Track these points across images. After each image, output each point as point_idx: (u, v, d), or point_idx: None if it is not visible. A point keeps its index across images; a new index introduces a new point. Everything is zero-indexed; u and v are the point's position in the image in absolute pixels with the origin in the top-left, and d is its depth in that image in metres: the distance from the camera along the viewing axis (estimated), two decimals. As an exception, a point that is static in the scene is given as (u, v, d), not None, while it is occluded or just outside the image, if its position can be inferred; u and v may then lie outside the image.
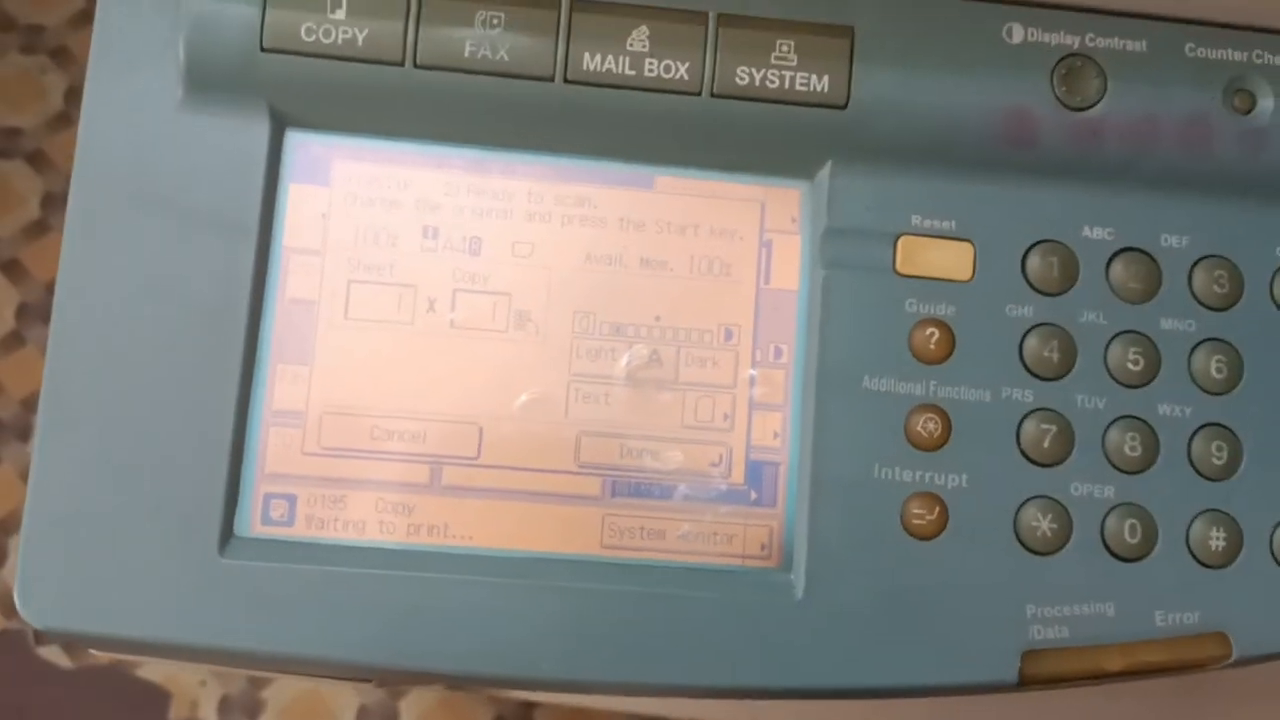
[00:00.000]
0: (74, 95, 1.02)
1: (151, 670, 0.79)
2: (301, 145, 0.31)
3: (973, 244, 0.31)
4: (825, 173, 0.32)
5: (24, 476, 0.94)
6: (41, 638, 0.94)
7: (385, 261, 0.31)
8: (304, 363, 0.31)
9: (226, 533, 0.30)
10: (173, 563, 0.29)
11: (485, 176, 0.32)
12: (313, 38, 0.30)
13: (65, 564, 0.29)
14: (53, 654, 0.94)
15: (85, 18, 1.05)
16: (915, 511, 0.30)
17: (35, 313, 0.98)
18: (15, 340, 0.98)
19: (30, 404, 0.95)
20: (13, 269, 0.99)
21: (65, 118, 1.02)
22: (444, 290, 0.31)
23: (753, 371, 0.32)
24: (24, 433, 0.94)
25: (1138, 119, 0.31)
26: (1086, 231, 0.32)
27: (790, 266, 0.32)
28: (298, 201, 0.31)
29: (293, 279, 0.31)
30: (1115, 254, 0.32)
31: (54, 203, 0.99)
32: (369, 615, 0.30)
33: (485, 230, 0.32)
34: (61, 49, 1.04)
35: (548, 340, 0.31)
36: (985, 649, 0.30)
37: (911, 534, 0.30)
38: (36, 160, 1.01)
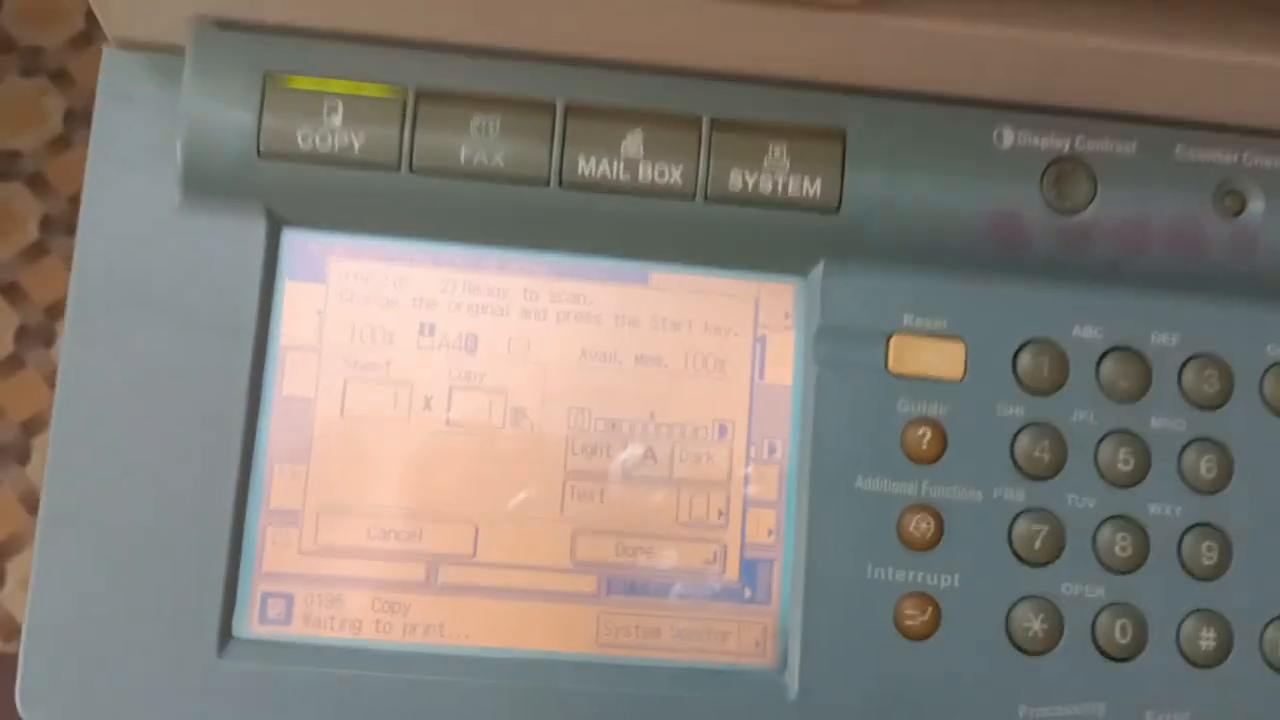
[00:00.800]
0: (73, 117, 1.02)
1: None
2: (298, 243, 0.32)
3: (964, 343, 0.32)
4: (818, 271, 0.32)
5: (23, 500, 0.94)
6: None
7: (381, 359, 0.32)
8: (301, 461, 0.31)
9: (225, 634, 0.30)
10: (172, 665, 0.30)
11: (481, 274, 0.32)
12: (309, 144, 0.30)
13: (66, 668, 0.29)
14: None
15: (85, 39, 1.05)
16: (908, 612, 0.31)
17: (35, 336, 0.98)
18: (14, 363, 0.98)
19: (30, 427, 0.96)
20: (12, 292, 0.99)
21: (65, 140, 1.02)
22: (440, 388, 0.32)
23: (747, 468, 0.32)
24: (23, 456, 0.95)
25: (1128, 221, 0.31)
26: (1077, 330, 0.32)
27: (784, 362, 0.32)
28: (294, 299, 0.32)
29: (289, 376, 0.31)
30: (1106, 353, 0.32)
31: (53, 225, 0.99)
32: (369, 717, 0.30)
33: (481, 327, 0.32)
34: (62, 71, 1.04)
35: (543, 437, 0.32)
36: (978, 750, 0.30)
37: (904, 634, 0.31)
38: (36, 183, 1.01)
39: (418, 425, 0.31)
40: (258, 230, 0.31)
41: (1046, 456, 0.31)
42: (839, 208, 0.31)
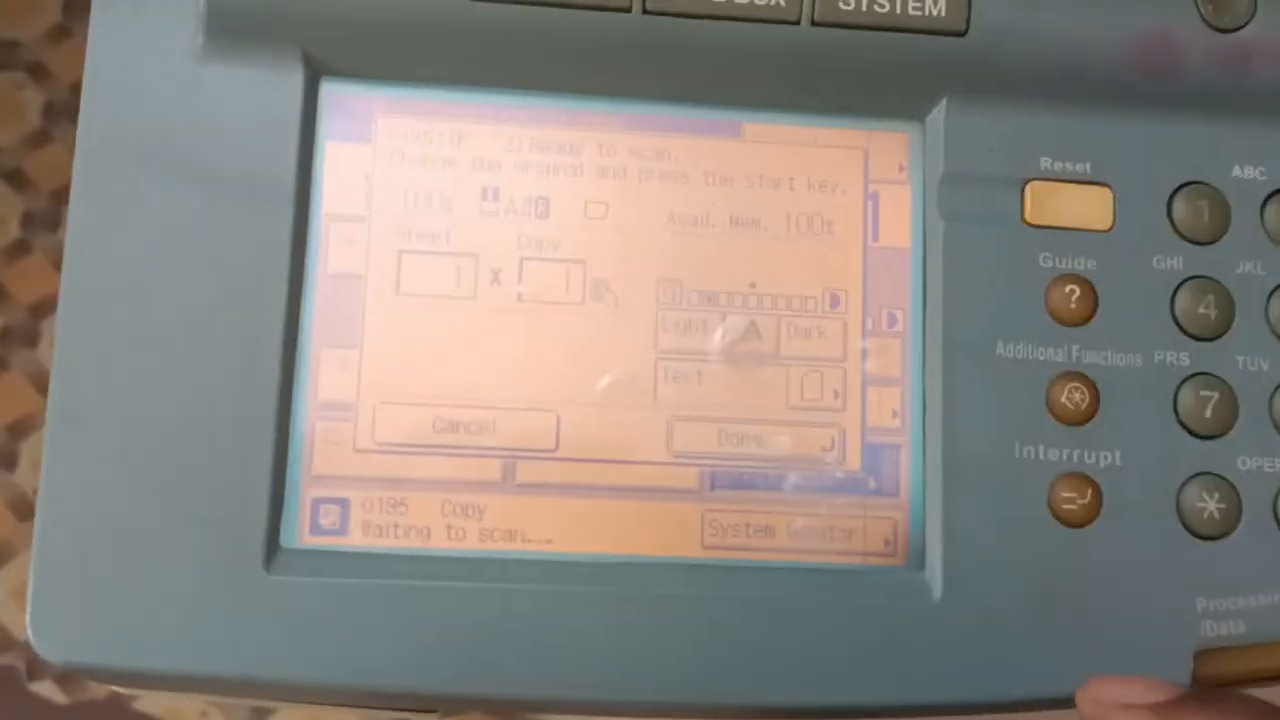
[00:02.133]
0: (52, 111, 0.98)
1: (149, 702, 0.74)
2: (339, 98, 0.27)
3: (1111, 189, 0.28)
4: (940, 112, 0.28)
5: (11, 507, 0.90)
6: (35, 672, 0.89)
7: (440, 228, 0.27)
8: (352, 346, 0.27)
9: (272, 545, 0.26)
10: (211, 582, 0.25)
11: (550, 128, 0.28)
12: (356, -31, 0.26)
13: (85, 589, 0.25)
14: (46, 689, 0.89)
15: (62, 32, 1.01)
16: (1064, 495, 0.26)
17: (18, 336, 0.93)
18: (1, 365, 0.94)
19: (16, 430, 0.91)
20: (-7, 291, 0.95)
21: (44, 135, 0.97)
22: (509, 259, 0.27)
23: (864, 342, 0.28)
24: (9, 461, 0.90)
25: (1293, 40, 0.27)
26: (1237, 171, 0.28)
27: (900, 221, 0.28)
28: (337, 162, 0.27)
29: (335, 251, 0.27)
30: (1270, 195, 0.28)
31: (34, 222, 0.95)
32: (438, 635, 0.25)
33: (553, 189, 0.28)
34: (38, 65, 1.00)
35: (629, 313, 0.27)
36: (1152, 650, 0.26)
37: (1061, 521, 0.26)
38: (15, 179, 0.97)
39: (485, 302, 0.27)
40: (294, 80, 0.27)
41: (1212, 314, 0.27)
42: (966, 30, 0.27)
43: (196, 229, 0.26)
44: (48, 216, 0.95)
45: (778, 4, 0.26)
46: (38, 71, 1.03)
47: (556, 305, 0.27)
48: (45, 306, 0.93)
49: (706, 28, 0.27)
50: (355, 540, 0.26)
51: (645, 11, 0.26)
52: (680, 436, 0.27)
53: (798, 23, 0.27)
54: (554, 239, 0.28)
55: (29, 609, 0.25)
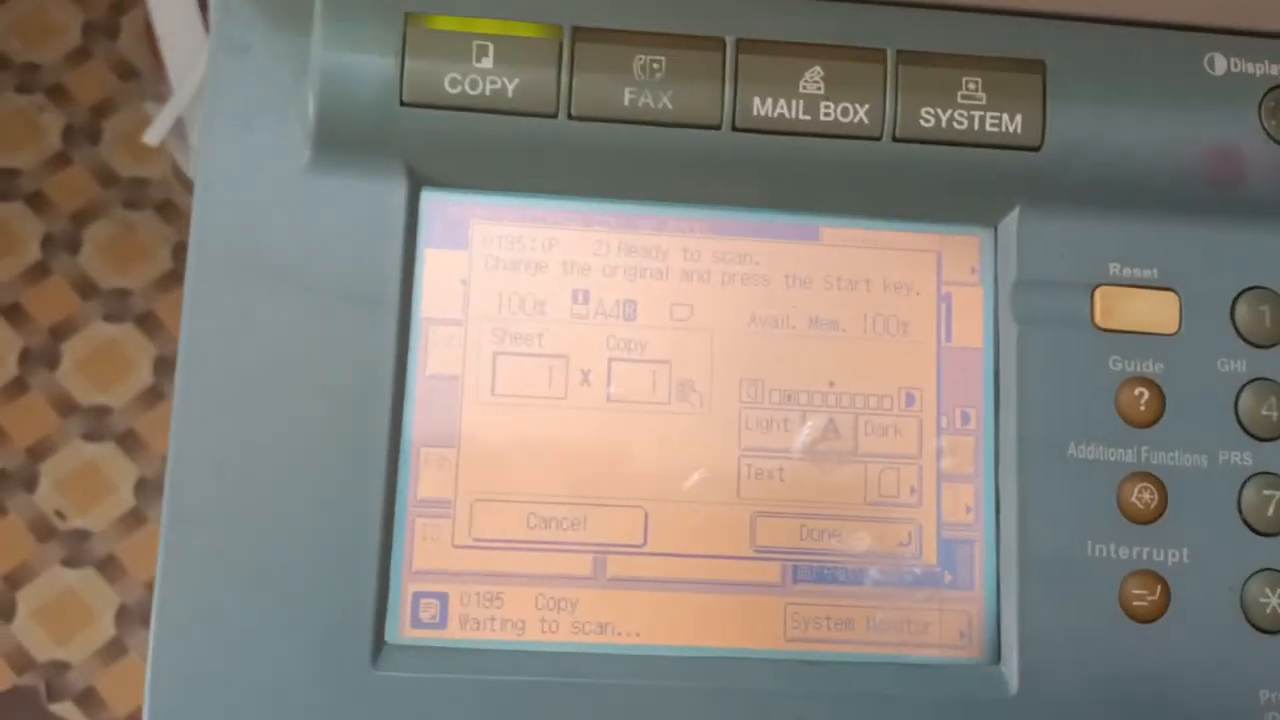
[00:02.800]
0: (71, 134, 0.99)
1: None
2: (438, 206, 0.29)
3: (1177, 293, 0.29)
4: (1013, 220, 0.29)
5: (31, 528, 0.90)
6: (55, 692, 0.90)
7: (533, 330, 0.29)
8: (450, 445, 0.28)
9: (379, 640, 0.27)
10: (321, 678, 0.26)
11: (637, 234, 0.29)
12: (458, 89, 0.27)
13: (199, 686, 0.26)
14: (67, 710, 0.90)
15: (82, 55, 1.03)
16: (1135, 592, 0.28)
17: (38, 358, 0.94)
18: (18, 387, 0.94)
19: (36, 452, 0.92)
20: (14, 313, 0.96)
21: (64, 157, 0.99)
22: (598, 360, 0.29)
23: (939, 440, 0.29)
24: (30, 483, 0.91)
25: (1352, 153, 0.29)
26: None
27: (973, 322, 0.29)
28: (436, 267, 0.28)
29: (434, 353, 0.28)
30: (1329, 299, 0.29)
31: (55, 244, 0.96)
32: None
33: (640, 292, 0.29)
34: (58, 87, 1.01)
35: (714, 412, 0.29)
36: (1219, 742, 0.27)
37: (1132, 617, 0.27)
38: (35, 201, 0.98)
39: (575, 402, 0.28)
40: (397, 191, 0.28)
41: (1275, 415, 0.28)
42: (1041, 145, 0.28)
43: (303, 334, 0.27)
44: (67, 238, 0.96)
45: (861, 121, 0.28)
46: (57, 94, 1.04)
47: (644, 405, 0.28)
48: (65, 328, 0.94)
49: (792, 144, 0.28)
50: (454, 634, 0.27)
51: (735, 129, 0.28)
52: (763, 532, 0.28)
53: (880, 138, 0.28)
54: (641, 340, 0.29)
55: (146, 701, 0.26)
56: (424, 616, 0.28)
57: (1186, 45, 0.28)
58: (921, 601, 0.28)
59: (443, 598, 0.28)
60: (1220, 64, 0.29)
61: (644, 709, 0.27)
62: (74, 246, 0.96)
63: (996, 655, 0.28)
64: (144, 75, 0.97)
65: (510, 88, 0.27)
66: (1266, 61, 0.29)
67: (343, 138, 0.27)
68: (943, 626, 0.28)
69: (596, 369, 0.29)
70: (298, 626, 0.26)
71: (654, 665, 0.27)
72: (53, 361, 0.95)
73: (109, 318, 0.95)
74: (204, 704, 0.26)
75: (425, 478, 0.28)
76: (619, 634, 0.28)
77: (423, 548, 0.28)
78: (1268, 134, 0.29)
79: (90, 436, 0.92)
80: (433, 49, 0.27)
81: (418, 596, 0.28)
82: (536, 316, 0.29)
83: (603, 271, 0.29)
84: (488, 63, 0.27)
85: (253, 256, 0.27)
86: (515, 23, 0.27)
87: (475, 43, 0.27)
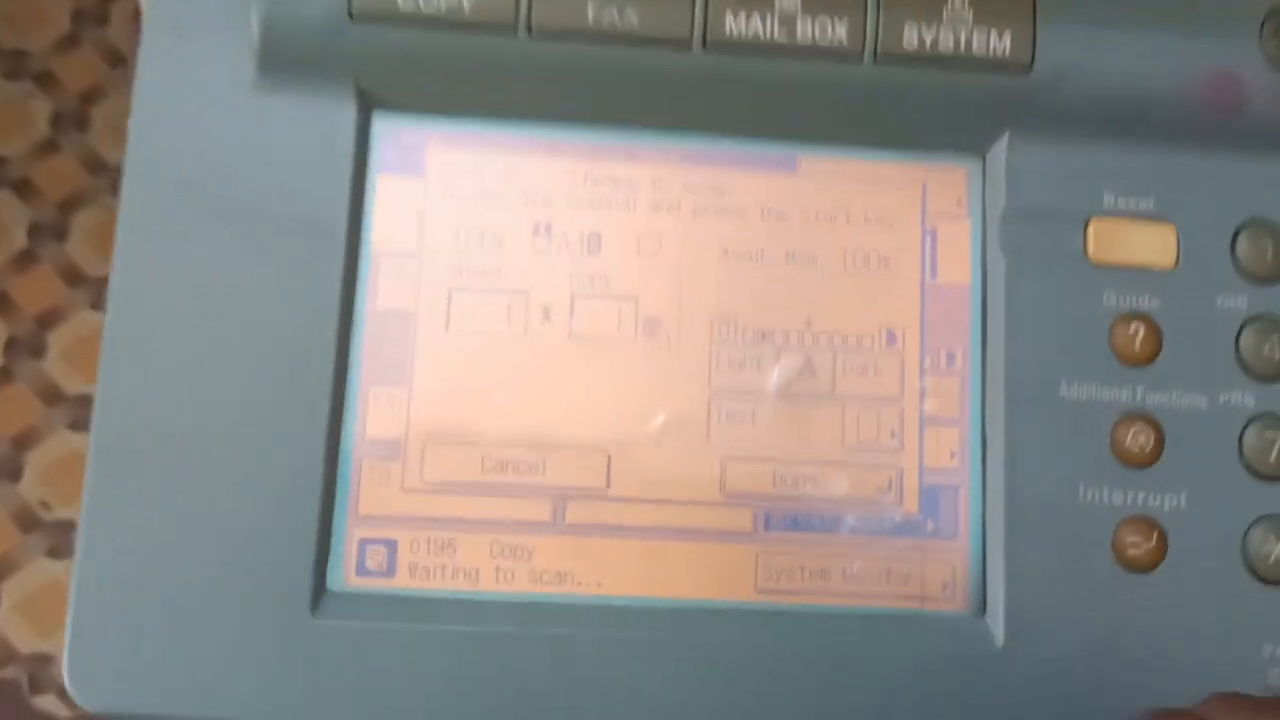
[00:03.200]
0: (60, 121, 0.98)
1: None
2: (391, 131, 0.27)
3: (1175, 226, 0.27)
4: (1001, 147, 0.27)
5: (15, 519, 0.89)
6: (38, 685, 0.89)
7: (492, 264, 0.27)
8: (401, 384, 0.26)
9: (319, 588, 0.25)
10: (256, 626, 0.25)
11: (604, 163, 0.27)
12: (410, 3, 0.25)
13: (124, 634, 0.24)
14: (49, 703, 0.89)
15: (71, 42, 1.01)
16: (1130, 539, 0.26)
17: (24, 347, 0.93)
18: (3, 376, 0.93)
19: (21, 442, 0.91)
20: (1, 302, 0.94)
21: (52, 144, 0.97)
22: (560, 296, 0.27)
23: (923, 381, 0.27)
24: (15, 473, 0.89)
25: (1358, 78, 0.27)
26: None
27: (959, 257, 0.28)
28: (388, 196, 0.27)
29: (385, 287, 0.27)
30: (1336, 234, 0.27)
31: (42, 232, 0.95)
32: (486, 681, 0.25)
33: (605, 225, 0.27)
34: (46, 74, 1.00)
35: (683, 351, 0.27)
36: (1219, 699, 0.25)
37: (1126, 566, 0.26)
38: (23, 189, 0.97)
39: (536, 340, 0.27)
40: (346, 113, 0.26)
41: (1276, 353, 0.27)
42: (1031, 66, 0.26)
43: (244, 264, 0.26)
44: (54, 226, 0.95)
45: (840, 41, 0.26)
46: (46, 81, 1.02)
47: (608, 343, 0.27)
48: (52, 318, 0.93)
49: (767, 64, 0.26)
50: (402, 582, 0.26)
51: (706, 47, 0.26)
52: (734, 477, 0.27)
53: (860, 58, 0.26)
54: (606, 275, 0.27)
55: (66, 656, 0.25)
56: (370, 564, 0.26)
57: (1186, -38, 0.27)
58: (902, 551, 0.27)
59: (391, 544, 0.26)
60: (1221, -18, 0.27)
61: (605, 662, 0.25)
62: (61, 234, 0.95)
63: (982, 608, 0.26)
64: (133, 63, 0.95)
65: (467, 2, 0.25)
66: (1269, -19, 0.27)
67: (289, 54, 0.26)
68: (924, 577, 0.27)
69: (558, 305, 0.27)
70: (235, 573, 0.25)
71: (616, 616, 0.26)
72: (39, 350, 0.93)
73: (96, 306, 0.94)
74: (131, 654, 0.24)
75: (374, 417, 0.26)
76: (579, 584, 0.26)
77: (370, 491, 0.26)
78: (1267, 58, 0.27)
79: (76, 426, 0.91)
80: (383, -41, 0.26)
81: (364, 543, 0.26)
82: (495, 249, 0.27)
83: (567, 203, 0.27)
84: (442, -26, 0.25)
85: (192, 180, 0.26)
86: (473, -68, 0.26)
87: (429, -47, 0.26)
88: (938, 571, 0.27)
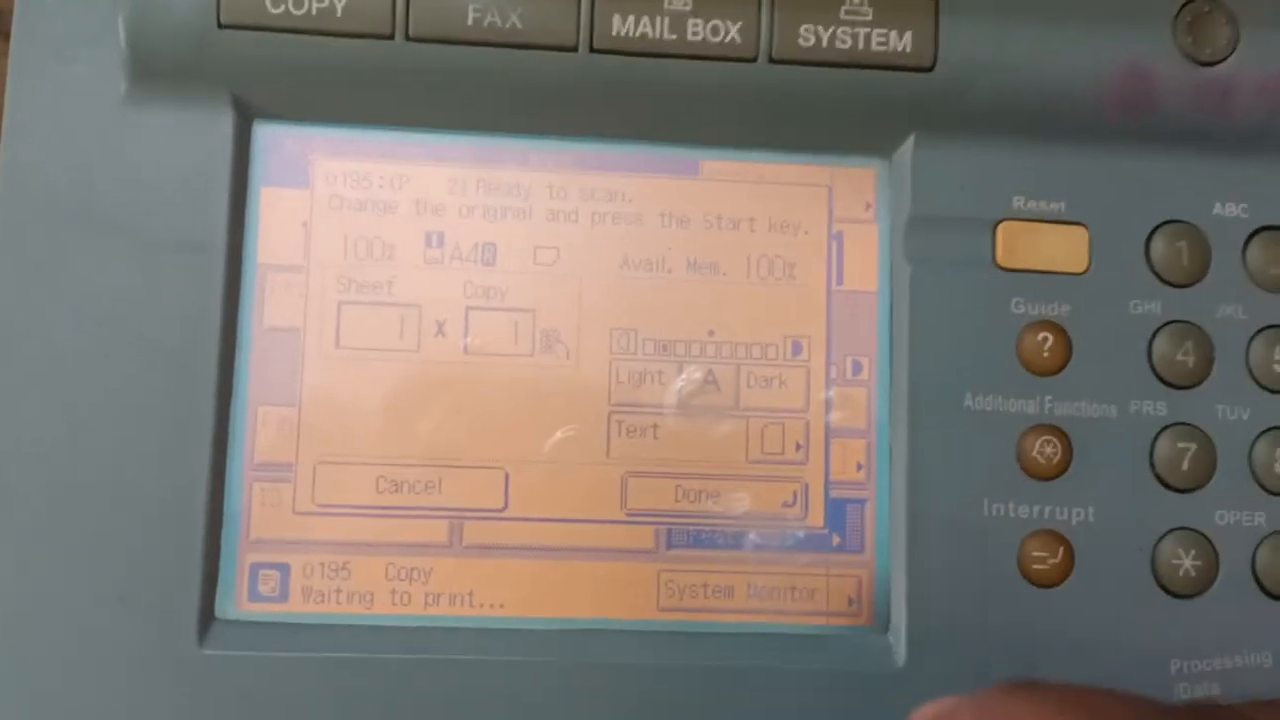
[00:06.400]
0: None
1: None
2: (273, 140, 0.26)
3: (1087, 228, 0.26)
4: (907, 149, 0.26)
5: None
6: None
7: (382, 277, 0.26)
8: (290, 404, 0.26)
9: (206, 616, 0.25)
10: (143, 658, 0.24)
11: (497, 169, 0.26)
12: (280, 8, 0.24)
13: (12, 669, 0.24)
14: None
15: None
16: (1035, 554, 0.25)
17: None
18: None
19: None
20: None
21: None
22: (454, 309, 0.26)
23: (828, 392, 0.26)
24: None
25: (1276, 74, 0.26)
26: (1218, 209, 0.26)
27: (867, 263, 0.27)
28: (272, 208, 0.26)
29: (271, 303, 0.26)
30: (1252, 234, 0.27)
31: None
32: (383, 708, 0.24)
33: (500, 234, 0.26)
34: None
35: (581, 364, 0.26)
36: (1125, 715, 0.25)
37: (1031, 581, 0.25)
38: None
39: (430, 355, 0.26)
40: (223, 122, 0.25)
41: (1190, 360, 0.26)
42: (933, 65, 0.25)
43: (123, 283, 0.25)
44: None
45: (733, 40, 0.25)
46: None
47: (505, 357, 0.26)
48: None
49: (658, 66, 0.25)
50: (296, 607, 0.25)
51: (593, 50, 0.25)
52: (635, 494, 0.26)
53: (755, 59, 0.25)
54: (501, 287, 0.26)
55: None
56: (263, 589, 0.25)
57: (1096, -47, 0.26)
58: (807, 566, 0.26)
59: (284, 569, 0.25)
60: (1134, -26, 0.26)
61: (505, 685, 0.25)
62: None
63: (887, 623, 0.26)
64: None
65: (339, 5, 0.24)
66: (1183, -29, 0.26)
67: (159, 65, 0.25)
68: (829, 593, 0.26)
69: (452, 319, 0.26)
70: (122, 604, 0.24)
71: (516, 639, 0.25)
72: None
73: None
74: (14, 689, 0.24)
75: (263, 439, 0.25)
76: (478, 605, 0.26)
77: (261, 515, 0.25)
78: (1182, 52, 0.26)
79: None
80: (254, -36, 0.24)
81: (255, 568, 0.25)
82: (386, 262, 0.26)
83: (459, 211, 0.26)
84: (315, -22, 0.24)
85: (67, 198, 0.25)
86: (347, -67, 0.25)
87: (301, -44, 0.24)
88: (843, 587, 0.26)
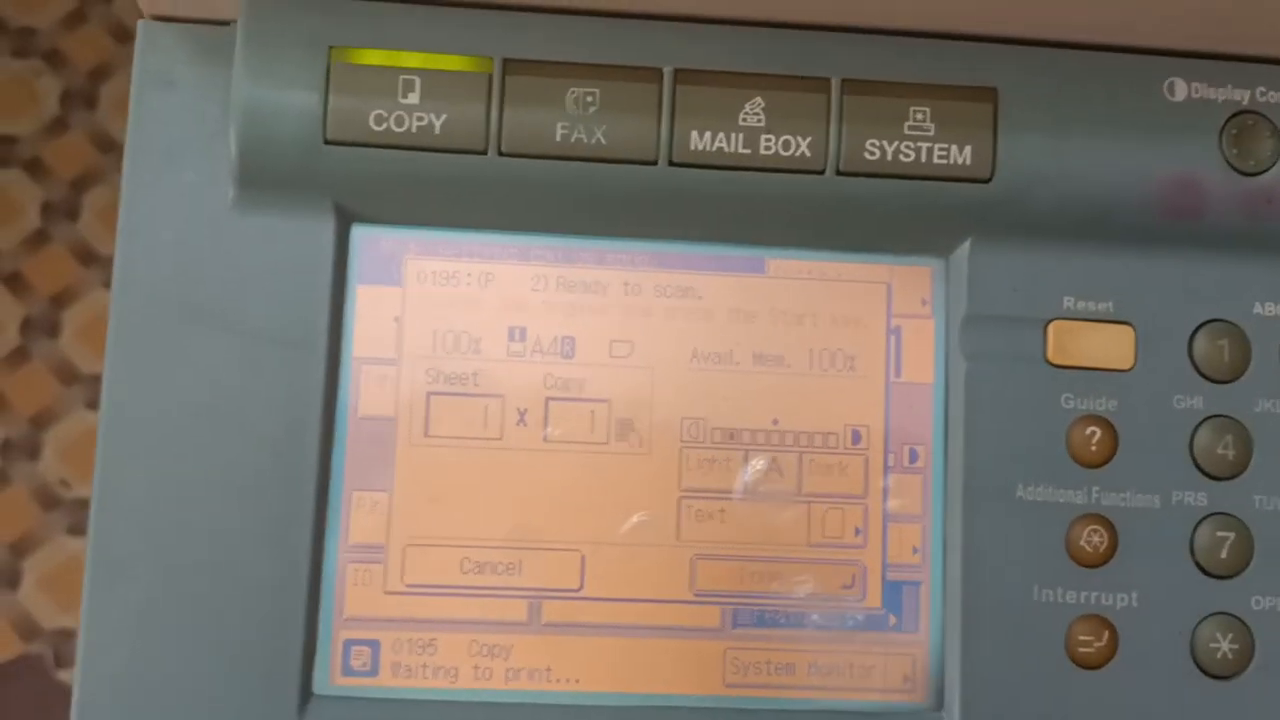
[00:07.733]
0: (69, 99, 0.98)
1: None
2: (369, 241, 0.28)
3: (1133, 327, 0.28)
4: (964, 251, 0.28)
5: (36, 496, 0.91)
6: (62, 660, 0.91)
7: (468, 370, 0.28)
8: (383, 489, 0.27)
9: (305, 690, 0.26)
10: (247, 730, 0.26)
11: (576, 267, 0.28)
12: (383, 126, 0.26)
13: None
14: (73, 677, 0.91)
15: (78, 18, 1.01)
16: (1082, 637, 0.27)
17: (39, 327, 0.94)
18: (20, 356, 0.94)
19: (39, 421, 0.92)
20: (15, 282, 0.95)
21: (61, 123, 0.98)
22: (535, 400, 0.28)
23: (886, 479, 0.28)
24: (33, 451, 0.91)
25: (1317, 181, 0.27)
26: (1258, 309, 0.28)
27: (923, 356, 0.28)
28: (368, 305, 0.28)
29: (366, 393, 0.27)
30: (1292, 333, 0.28)
31: (54, 212, 0.96)
32: None
33: (578, 328, 0.28)
34: (54, 51, 1.00)
35: (654, 452, 0.28)
36: (1165, 792, 0.27)
37: (1078, 663, 0.27)
38: (34, 168, 0.97)
39: (511, 443, 0.28)
40: (325, 227, 0.27)
41: (1230, 453, 0.27)
42: (991, 177, 0.27)
43: (230, 376, 0.27)
44: (67, 205, 0.95)
45: (803, 154, 0.27)
46: (54, 59, 1.03)
47: (582, 445, 0.28)
48: (66, 297, 0.94)
49: (732, 178, 0.27)
50: (385, 681, 0.27)
51: (672, 164, 0.27)
52: (703, 575, 0.28)
53: (823, 172, 0.27)
54: (579, 379, 0.28)
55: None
56: (354, 664, 0.27)
57: (1145, 70, 0.27)
58: (865, 645, 0.28)
59: (374, 645, 0.27)
60: (1180, 89, 0.27)
61: (581, 756, 0.26)
62: (73, 213, 0.96)
63: (940, 701, 0.27)
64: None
65: (438, 124, 0.26)
66: (1229, 86, 0.27)
67: (267, 176, 0.27)
68: (886, 671, 0.28)
69: (533, 409, 0.28)
70: (224, 677, 0.26)
71: (590, 713, 0.27)
72: (54, 330, 0.95)
73: (110, 284, 0.94)
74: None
75: (357, 522, 0.27)
76: (555, 681, 0.27)
77: (354, 594, 0.27)
78: (1228, 162, 0.27)
79: (94, 405, 0.92)
80: (357, 84, 0.26)
81: (349, 644, 0.27)
82: (472, 355, 0.28)
83: (540, 307, 0.28)
84: (414, 98, 0.26)
85: (178, 297, 0.27)
86: (443, 55, 0.26)
87: (401, 77, 0.26)
88: (899, 665, 0.28)
